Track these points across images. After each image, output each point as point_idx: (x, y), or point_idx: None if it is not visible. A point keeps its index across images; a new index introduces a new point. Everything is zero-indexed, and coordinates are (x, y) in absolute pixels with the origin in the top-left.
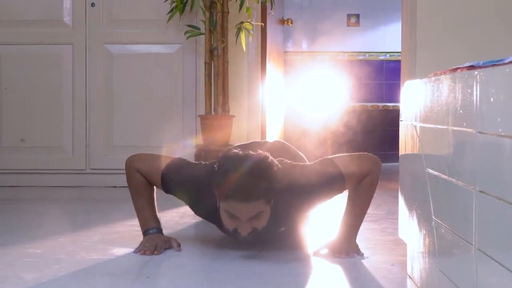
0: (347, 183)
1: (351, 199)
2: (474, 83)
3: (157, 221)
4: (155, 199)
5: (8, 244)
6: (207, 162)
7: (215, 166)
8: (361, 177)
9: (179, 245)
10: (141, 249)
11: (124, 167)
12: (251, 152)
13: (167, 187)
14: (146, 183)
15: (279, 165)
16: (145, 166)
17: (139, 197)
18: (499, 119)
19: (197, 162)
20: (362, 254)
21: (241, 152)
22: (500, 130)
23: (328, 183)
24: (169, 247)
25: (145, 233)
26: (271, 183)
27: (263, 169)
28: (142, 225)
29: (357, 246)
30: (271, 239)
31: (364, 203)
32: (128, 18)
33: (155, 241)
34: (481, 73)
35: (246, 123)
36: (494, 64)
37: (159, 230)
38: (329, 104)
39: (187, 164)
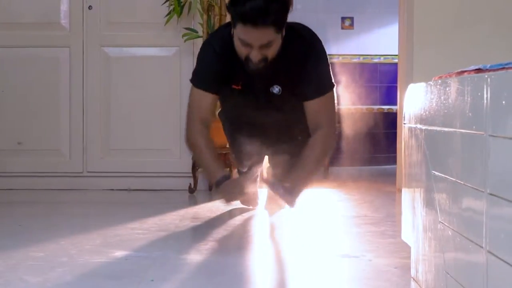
0: (328, 96)
1: (306, 150)
2: (485, 86)
3: (223, 170)
4: (216, 155)
5: (10, 247)
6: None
7: None
8: (328, 116)
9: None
10: (226, 198)
11: (120, 171)
12: None
13: (200, 82)
14: (206, 141)
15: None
16: (188, 112)
17: (202, 156)
18: (511, 122)
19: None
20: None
21: None
22: None
23: (326, 67)
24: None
25: (216, 184)
26: (283, 11)
27: None
28: (211, 178)
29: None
30: (281, 112)
31: (320, 153)
32: (126, 21)
33: (234, 189)
34: (492, 76)
35: None
36: (503, 67)
37: (228, 177)
38: None
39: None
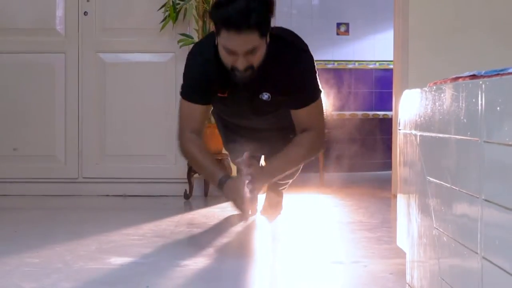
0: (316, 103)
1: (291, 145)
2: (479, 92)
3: (222, 170)
4: (213, 158)
5: (5, 253)
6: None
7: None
8: (317, 121)
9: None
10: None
11: (116, 177)
12: None
13: (188, 96)
14: (199, 147)
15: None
16: (180, 122)
17: (198, 161)
18: (506, 128)
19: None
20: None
21: None
22: (507, 139)
23: (313, 76)
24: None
25: (219, 185)
26: (266, 14)
27: None
28: (212, 180)
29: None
30: (266, 124)
31: (303, 151)
32: (121, 27)
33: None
34: (487, 82)
35: None
36: (498, 73)
37: (228, 176)
38: None
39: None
